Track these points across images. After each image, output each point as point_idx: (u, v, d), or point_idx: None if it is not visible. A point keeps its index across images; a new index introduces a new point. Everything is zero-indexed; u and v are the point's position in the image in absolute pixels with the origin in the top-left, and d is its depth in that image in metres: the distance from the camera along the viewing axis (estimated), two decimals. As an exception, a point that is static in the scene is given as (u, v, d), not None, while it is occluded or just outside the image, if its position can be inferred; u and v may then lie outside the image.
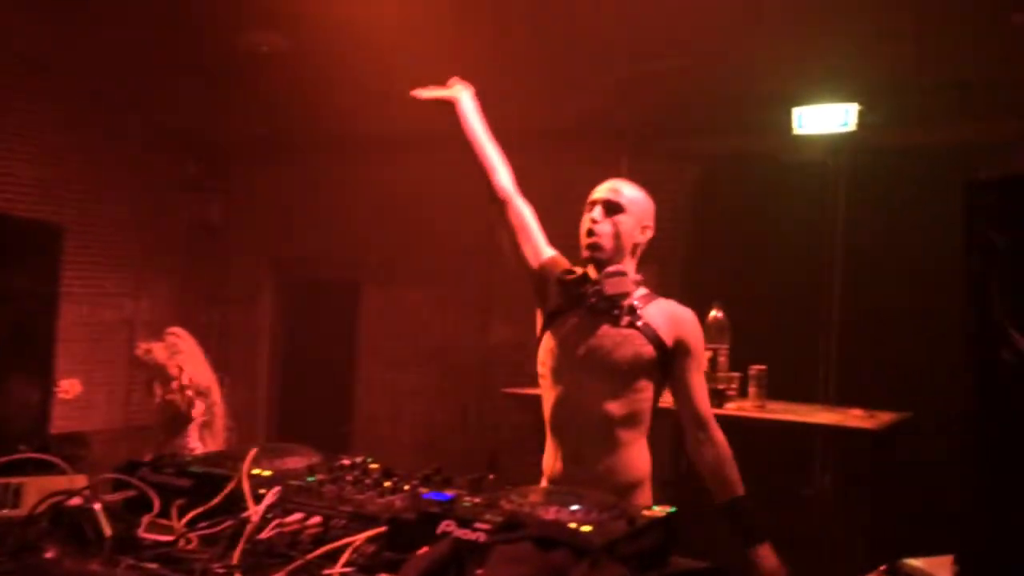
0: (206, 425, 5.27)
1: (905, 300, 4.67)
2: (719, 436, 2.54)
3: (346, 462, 1.80)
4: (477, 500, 1.51)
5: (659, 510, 1.55)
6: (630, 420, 2.46)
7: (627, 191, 2.55)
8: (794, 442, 4.83)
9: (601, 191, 2.55)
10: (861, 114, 4.88)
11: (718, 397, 3.91)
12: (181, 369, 5.17)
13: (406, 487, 1.63)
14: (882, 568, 1.44)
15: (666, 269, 5.04)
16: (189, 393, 5.00)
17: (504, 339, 6.12)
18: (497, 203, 2.62)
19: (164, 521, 1.58)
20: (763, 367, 4.01)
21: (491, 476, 1.91)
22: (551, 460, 2.53)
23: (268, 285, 7.68)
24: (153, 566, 1.33)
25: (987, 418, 0.92)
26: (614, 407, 2.44)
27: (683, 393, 2.53)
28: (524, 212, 2.62)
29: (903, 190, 4.47)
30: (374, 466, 1.80)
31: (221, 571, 1.35)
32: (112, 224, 6.76)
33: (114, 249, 6.81)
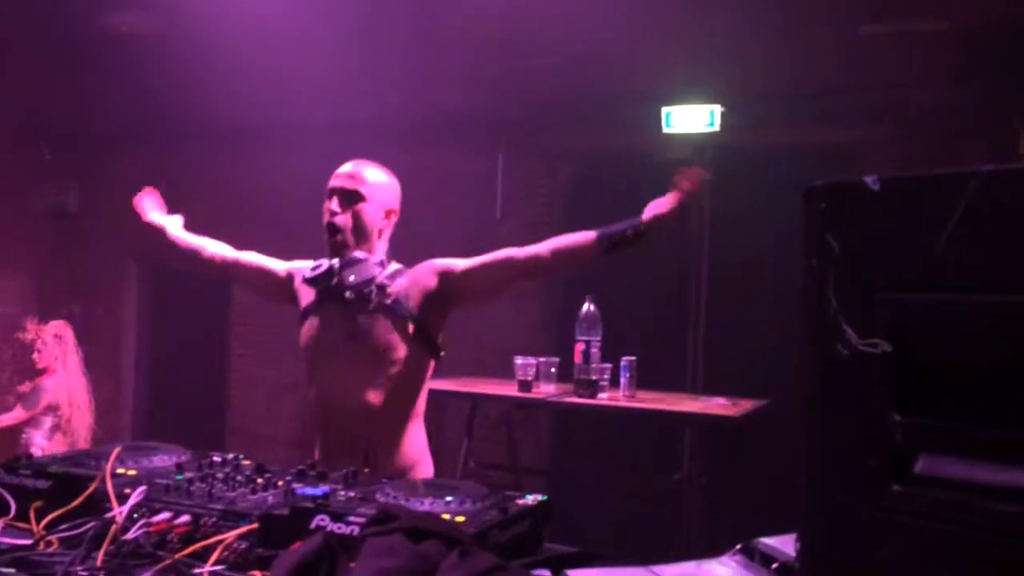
0: (58, 427, 5.10)
1: (767, 295, 4.92)
2: (532, 247, 2.46)
3: (217, 459, 1.78)
4: (352, 494, 1.53)
5: (531, 499, 1.60)
6: (396, 404, 2.43)
7: (369, 175, 2.50)
8: (664, 430, 5.02)
9: (339, 178, 2.49)
10: (724, 115, 5.10)
11: (590, 387, 4.03)
12: (47, 369, 4.99)
13: (279, 483, 1.62)
14: (738, 547, 1.54)
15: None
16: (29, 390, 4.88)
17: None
18: (227, 269, 2.77)
19: (21, 524, 1.52)
20: (633, 358, 4.15)
21: (366, 470, 1.92)
22: (319, 452, 2.51)
23: (132, 276, 7.38)
24: (10, 571, 1.28)
25: (821, 407, 1.00)
26: (376, 394, 2.40)
27: (486, 272, 2.46)
28: (248, 256, 2.75)
29: (763, 190, 4.69)
30: (246, 463, 1.78)
31: (84, 574, 1.31)
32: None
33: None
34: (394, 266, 2.50)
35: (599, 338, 4.04)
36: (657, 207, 2.42)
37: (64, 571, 1.29)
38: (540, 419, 5.67)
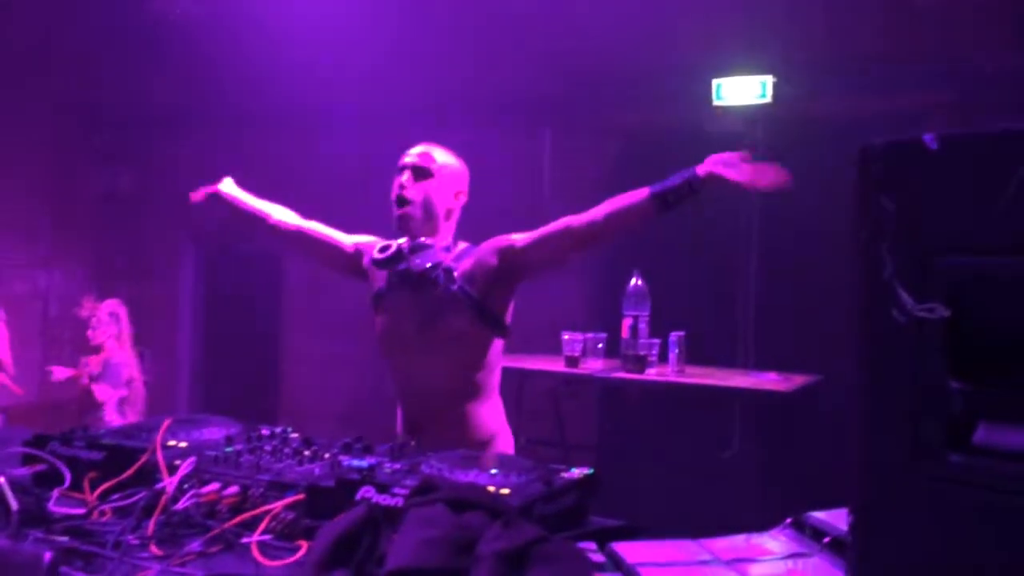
0: (125, 401, 5.22)
1: (821, 267, 4.82)
2: (588, 213, 2.37)
3: (265, 432, 1.79)
4: (397, 466, 1.53)
5: (577, 472, 1.59)
6: (469, 384, 2.46)
7: (439, 156, 2.50)
8: (714, 406, 4.97)
9: (411, 156, 2.49)
10: (776, 86, 4.99)
11: (638, 363, 4.00)
12: (102, 346, 5.11)
13: (326, 455, 1.63)
14: (788, 521, 1.51)
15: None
16: (96, 371, 4.99)
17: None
18: (290, 239, 2.73)
19: (76, 494, 1.55)
20: (682, 333, 4.10)
21: (412, 443, 1.92)
22: (400, 429, 2.55)
23: (188, 257, 7.51)
24: (64, 539, 1.31)
25: (877, 375, 0.96)
26: (449, 376, 2.43)
27: (545, 243, 2.40)
28: (313, 227, 2.71)
29: (815, 162, 4.58)
30: (294, 435, 1.79)
31: (135, 543, 1.33)
32: (21, 196, 6.51)
33: (24, 221, 6.57)
34: (460, 247, 2.50)
35: (647, 313, 4.00)
36: (718, 167, 2.22)
37: (116, 540, 1.31)
38: (588, 395, 5.65)
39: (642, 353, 4.01)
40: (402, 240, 2.48)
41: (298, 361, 7.00)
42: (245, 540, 1.34)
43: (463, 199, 2.54)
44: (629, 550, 1.32)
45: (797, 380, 4.00)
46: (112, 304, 5.36)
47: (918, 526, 0.93)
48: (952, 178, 0.92)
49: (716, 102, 5.16)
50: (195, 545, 1.32)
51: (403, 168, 2.48)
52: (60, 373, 5.23)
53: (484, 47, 5.39)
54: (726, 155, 2.24)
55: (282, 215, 2.76)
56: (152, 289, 7.35)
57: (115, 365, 5.24)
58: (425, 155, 2.48)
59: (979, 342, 0.89)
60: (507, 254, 2.42)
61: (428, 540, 1.06)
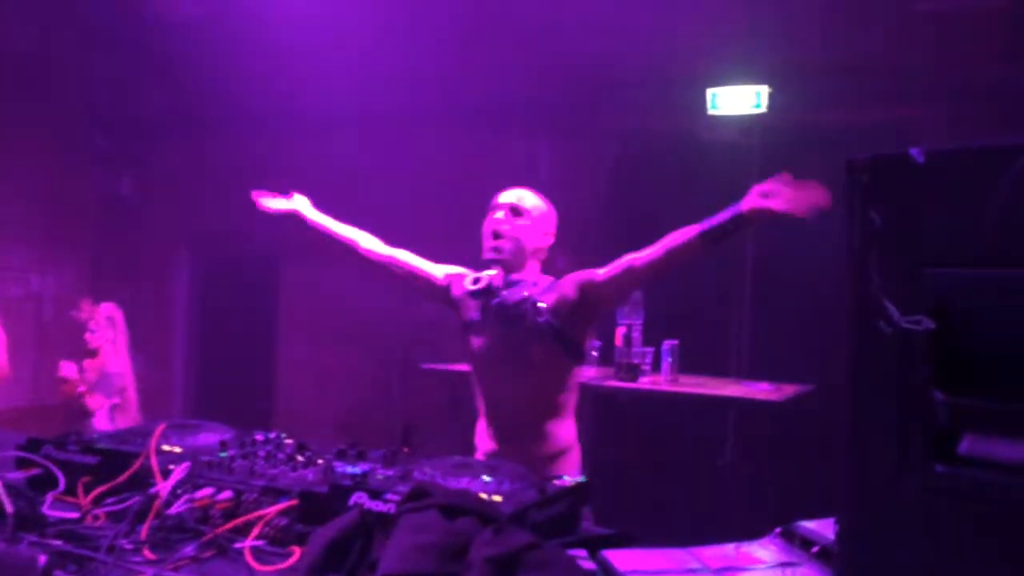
0: (117, 408, 5.21)
1: (813, 279, 4.84)
2: (647, 251, 2.50)
3: (259, 437, 1.80)
4: (390, 473, 1.53)
5: (569, 480, 1.60)
6: (551, 407, 2.66)
7: (530, 200, 2.70)
8: (706, 415, 4.97)
9: (506, 197, 2.69)
10: (771, 96, 5.01)
11: (631, 371, 4.01)
12: (99, 350, 5.10)
13: (319, 461, 1.63)
14: (777, 530, 1.52)
15: (583, 246, 5.10)
16: (92, 376, 4.97)
17: (427, 316, 6.12)
18: (379, 267, 2.84)
19: (70, 498, 1.55)
20: (675, 342, 4.12)
21: (405, 449, 1.93)
22: (483, 438, 2.74)
23: (184, 261, 7.50)
24: (58, 543, 1.31)
25: (864, 386, 0.98)
26: (533, 401, 2.63)
27: (617, 282, 2.54)
28: (403, 256, 2.84)
29: (810, 172, 4.61)
30: (288, 441, 1.80)
31: (129, 547, 1.34)
32: (17, 198, 6.51)
33: (20, 223, 6.56)
34: (545, 282, 2.67)
35: (641, 321, 4.01)
36: (759, 201, 2.26)
37: (109, 544, 1.31)
38: (581, 403, 5.65)
39: (635, 362, 4.03)
40: (492, 272, 2.68)
41: (293, 367, 6.99)
42: (238, 545, 1.35)
43: (550, 240, 2.73)
44: (620, 558, 1.33)
45: (789, 390, 4.01)
46: (109, 307, 5.35)
47: (904, 536, 0.94)
48: (939, 191, 0.93)
49: (711, 111, 5.18)
50: (188, 550, 1.33)
51: (499, 207, 2.67)
52: (67, 370, 5.21)
53: (482, 55, 5.41)
54: (767, 185, 2.28)
55: (370, 244, 2.88)
56: (148, 293, 7.34)
57: (110, 375, 5.21)
58: (522, 198, 2.69)
59: (965, 353, 0.91)
60: (587, 288, 2.59)
61: (420, 546, 1.07)
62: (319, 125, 6.35)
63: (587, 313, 2.63)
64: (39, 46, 5.93)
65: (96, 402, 5.12)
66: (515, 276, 2.65)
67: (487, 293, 2.66)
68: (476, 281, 2.68)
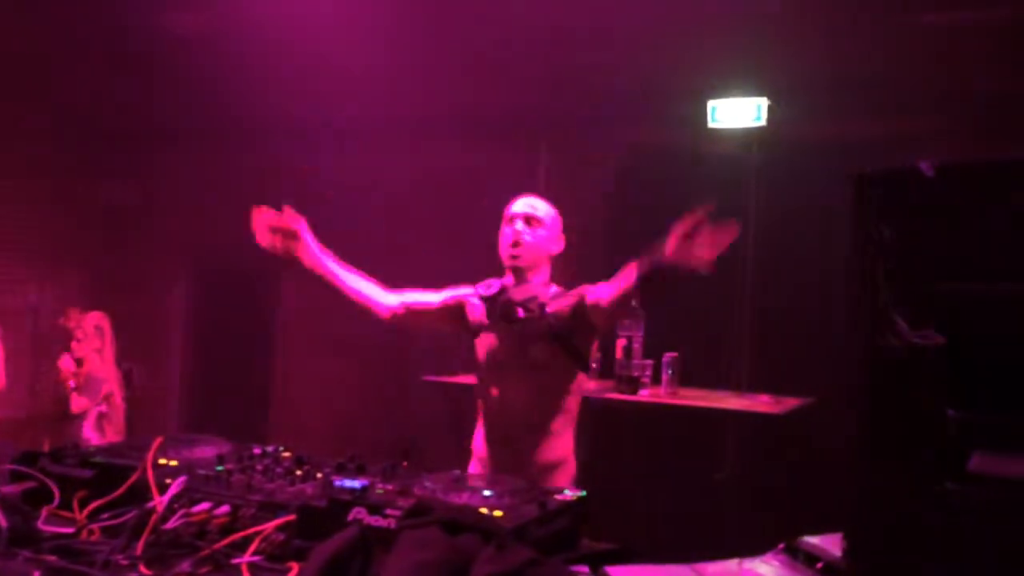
0: (104, 416, 5.20)
1: (814, 291, 4.83)
2: (608, 287, 2.59)
3: (257, 451, 1.78)
4: (390, 487, 1.51)
5: (570, 494, 1.58)
6: (553, 412, 2.71)
7: (542, 207, 2.80)
8: (707, 427, 4.95)
9: (520, 206, 2.78)
10: (771, 109, 5.01)
11: (631, 384, 4.00)
12: (84, 359, 5.09)
13: (318, 475, 1.61)
14: (781, 546, 1.50)
15: (584, 258, 5.10)
16: (76, 383, 4.97)
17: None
18: (396, 319, 2.87)
19: (65, 513, 1.53)
20: (675, 354, 4.10)
21: (405, 463, 1.91)
22: (481, 443, 2.79)
23: (184, 273, 7.49)
24: (52, 558, 1.29)
25: (872, 401, 0.96)
26: (536, 405, 2.68)
27: (605, 310, 2.61)
28: (417, 301, 2.88)
29: (811, 185, 4.60)
30: (286, 455, 1.78)
31: (124, 563, 1.32)
32: (18, 209, 6.50)
33: (19, 235, 6.55)
34: (554, 289, 2.76)
35: (641, 334, 4.00)
36: (673, 251, 2.36)
37: (105, 559, 1.30)
38: (581, 416, 5.63)
39: (635, 374, 4.01)
40: (506, 282, 2.77)
41: (292, 380, 6.97)
42: (235, 561, 1.33)
43: (563, 244, 2.83)
44: (622, 574, 1.32)
45: (790, 403, 3.99)
46: (97, 317, 5.34)
47: (914, 553, 0.92)
48: (949, 205, 0.92)
49: (711, 124, 5.18)
50: (185, 565, 1.31)
51: (514, 217, 2.77)
52: (65, 362, 5.20)
53: (483, 67, 5.41)
54: (684, 225, 2.35)
55: (381, 298, 2.88)
56: (147, 305, 7.32)
57: (95, 380, 5.21)
58: (533, 206, 2.79)
59: (974, 368, 0.89)
60: (583, 303, 2.63)
61: (423, 562, 1.05)
62: (322, 137, 6.35)
63: (590, 326, 2.68)
64: (41, 56, 5.92)
65: (79, 404, 5.12)
66: (527, 278, 2.75)
67: (498, 295, 2.74)
68: (489, 286, 2.76)
